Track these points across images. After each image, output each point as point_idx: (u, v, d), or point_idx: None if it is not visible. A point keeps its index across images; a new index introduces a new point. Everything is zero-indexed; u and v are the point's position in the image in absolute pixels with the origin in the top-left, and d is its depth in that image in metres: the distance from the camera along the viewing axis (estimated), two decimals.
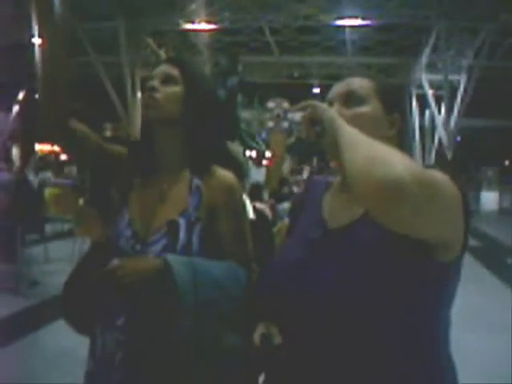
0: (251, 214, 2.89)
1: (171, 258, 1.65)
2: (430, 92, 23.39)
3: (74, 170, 19.79)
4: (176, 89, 1.84)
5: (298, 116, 1.56)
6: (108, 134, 35.74)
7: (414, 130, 27.30)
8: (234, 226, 1.84)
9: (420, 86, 24.86)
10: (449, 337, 1.47)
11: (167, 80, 1.84)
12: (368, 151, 1.23)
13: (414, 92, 26.69)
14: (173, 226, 1.76)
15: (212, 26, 22.21)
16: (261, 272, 1.74)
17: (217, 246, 1.80)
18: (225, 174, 1.86)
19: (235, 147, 3.01)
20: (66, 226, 11.65)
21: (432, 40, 21.75)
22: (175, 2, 20.76)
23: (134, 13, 20.95)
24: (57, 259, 9.18)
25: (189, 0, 20.67)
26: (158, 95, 1.81)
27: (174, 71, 1.86)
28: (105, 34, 23.04)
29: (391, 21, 21.34)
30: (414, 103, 26.93)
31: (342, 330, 1.35)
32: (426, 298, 1.36)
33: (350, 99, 1.51)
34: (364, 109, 1.49)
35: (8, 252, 7.55)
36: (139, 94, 24.00)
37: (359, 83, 1.54)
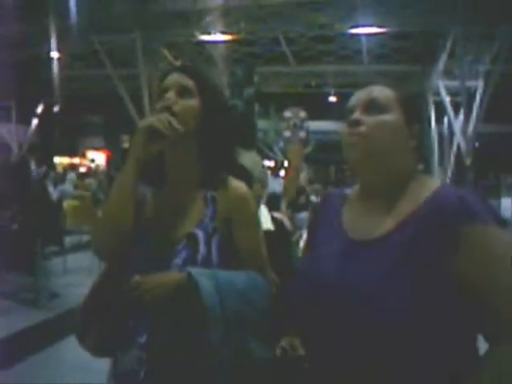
0: (270, 225, 2.86)
1: (194, 271, 1.64)
2: (447, 99, 23.26)
3: (93, 182, 19.90)
4: (192, 102, 1.78)
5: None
6: (126, 145, 36.06)
7: (432, 137, 27.19)
8: (249, 236, 1.83)
9: (437, 93, 24.74)
10: (477, 345, 1.43)
11: (183, 92, 1.78)
12: None
13: (431, 99, 26.57)
14: (192, 239, 1.74)
15: (228, 37, 22.28)
16: (284, 286, 1.72)
17: (234, 256, 1.78)
18: (238, 185, 1.83)
19: (253, 156, 2.96)
20: (85, 238, 11.70)
21: (448, 46, 21.64)
22: (191, 13, 20.86)
23: (150, 25, 21.07)
24: (76, 271, 9.22)
25: (204, 11, 20.75)
26: (176, 108, 1.74)
27: (190, 82, 1.80)
28: (122, 46, 23.19)
29: (407, 28, 21.29)
30: (432, 110, 26.82)
31: (364, 342, 1.34)
32: (449, 316, 1.33)
33: (372, 106, 1.49)
34: (386, 117, 1.47)
35: (28, 264, 7.60)
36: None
37: (381, 92, 1.53)
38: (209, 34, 22.00)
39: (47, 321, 6.67)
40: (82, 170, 32.86)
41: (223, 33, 21.92)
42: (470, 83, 21.73)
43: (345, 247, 1.49)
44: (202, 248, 1.73)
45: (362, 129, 1.46)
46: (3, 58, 24.65)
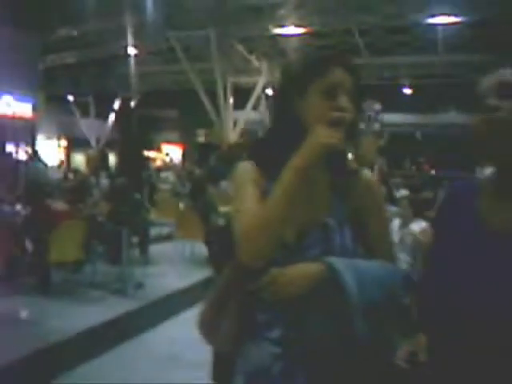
0: None
1: (334, 260, 1.58)
2: None
3: (170, 175, 20.32)
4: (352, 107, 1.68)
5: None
6: (201, 139, 36.55)
7: None
8: (380, 222, 1.80)
9: None
10: None
11: (348, 96, 1.66)
12: None
13: None
14: (326, 228, 1.67)
15: (301, 30, 22.22)
16: (423, 285, 1.64)
17: (364, 244, 1.74)
18: (365, 174, 1.80)
19: None
20: (166, 230, 12.05)
21: None
22: (264, 7, 20.93)
23: (224, 20, 21.26)
24: (158, 261, 9.53)
25: (277, 5, 20.77)
26: (349, 119, 1.63)
27: (351, 84, 1.68)
28: (197, 42, 23.51)
29: (483, 16, 20.70)
30: None
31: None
32: None
33: (504, 91, 1.40)
34: None
35: (115, 254, 7.87)
36: (231, 100, 24.52)
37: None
38: (282, 27, 22.00)
39: (135, 310, 6.75)
40: (158, 163, 33.58)
41: (296, 26, 21.87)
42: None
43: (485, 240, 1.42)
44: (336, 237, 1.66)
45: (501, 114, 1.37)
46: (80, 57, 25.53)
